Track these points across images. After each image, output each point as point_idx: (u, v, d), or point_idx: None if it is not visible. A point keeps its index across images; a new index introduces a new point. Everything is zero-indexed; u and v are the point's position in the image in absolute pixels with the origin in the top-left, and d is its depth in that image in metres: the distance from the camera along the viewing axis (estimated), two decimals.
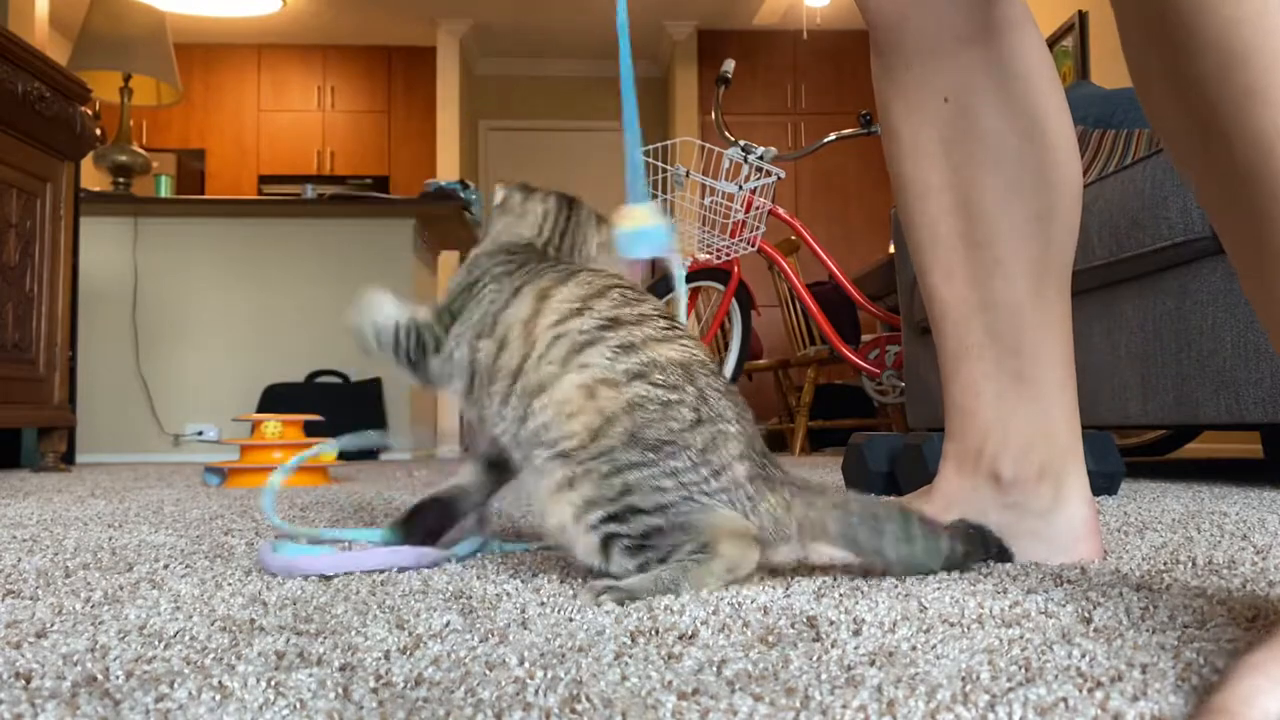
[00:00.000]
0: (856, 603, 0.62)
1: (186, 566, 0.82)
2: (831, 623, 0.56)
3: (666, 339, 0.69)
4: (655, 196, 3.73)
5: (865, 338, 4.06)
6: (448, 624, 0.57)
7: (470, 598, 0.66)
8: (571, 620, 0.58)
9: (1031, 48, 0.80)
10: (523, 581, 0.72)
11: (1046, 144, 0.79)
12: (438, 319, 0.81)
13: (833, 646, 0.50)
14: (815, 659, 0.48)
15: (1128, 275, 2.01)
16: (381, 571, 0.77)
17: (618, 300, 0.71)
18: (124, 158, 4.29)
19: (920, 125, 0.83)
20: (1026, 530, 0.80)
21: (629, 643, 0.52)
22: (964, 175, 0.81)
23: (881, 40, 0.84)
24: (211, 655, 0.50)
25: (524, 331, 0.72)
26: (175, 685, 0.43)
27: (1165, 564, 0.77)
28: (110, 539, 1.03)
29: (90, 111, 3.31)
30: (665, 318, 0.72)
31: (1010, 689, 0.42)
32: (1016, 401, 0.80)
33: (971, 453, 0.82)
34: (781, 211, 3.68)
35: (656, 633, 0.54)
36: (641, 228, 0.86)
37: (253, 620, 0.58)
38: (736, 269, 3.64)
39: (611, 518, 0.65)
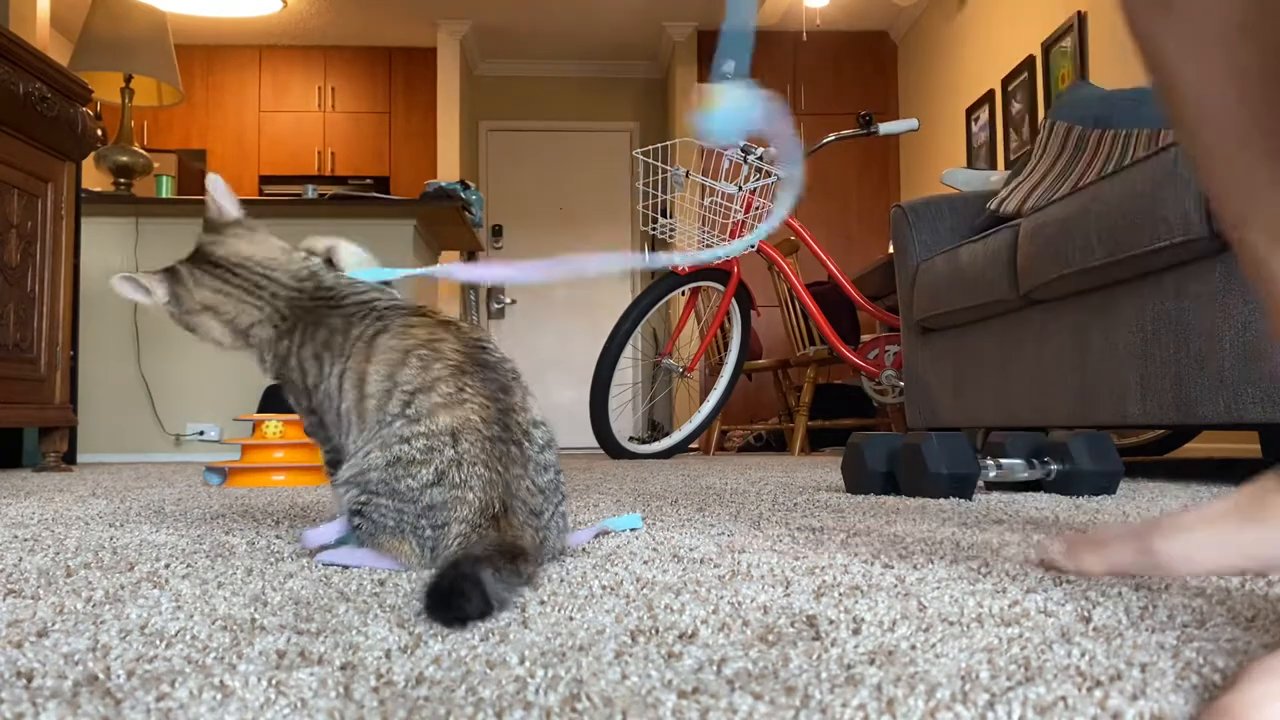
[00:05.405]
0: (856, 602, 0.62)
1: (187, 566, 0.82)
2: (831, 622, 0.56)
3: (449, 405, 0.79)
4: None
5: (864, 338, 4.07)
6: None
7: None
8: (571, 619, 0.58)
9: None
10: None
11: None
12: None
13: (832, 645, 0.51)
14: (815, 658, 0.48)
15: (1126, 276, 2.01)
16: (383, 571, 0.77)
17: (416, 368, 0.81)
18: (125, 158, 4.29)
19: (1208, 59, 0.58)
20: None
21: (629, 642, 0.52)
22: None
23: None
24: (213, 654, 0.50)
25: (356, 411, 0.84)
26: (176, 684, 0.44)
27: None
28: (111, 538, 1.03)
29: (91, 112, 3.32)
30: (457, 374, 0.80)
31: (1010, 688, 0.42)
32: None
33: None
34: None
35: (656, 632, 0.54)
36: (724, 107, 0.67)
37: (254, 619, 0.58)
38: (736, 269, 3.64)
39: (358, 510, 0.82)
